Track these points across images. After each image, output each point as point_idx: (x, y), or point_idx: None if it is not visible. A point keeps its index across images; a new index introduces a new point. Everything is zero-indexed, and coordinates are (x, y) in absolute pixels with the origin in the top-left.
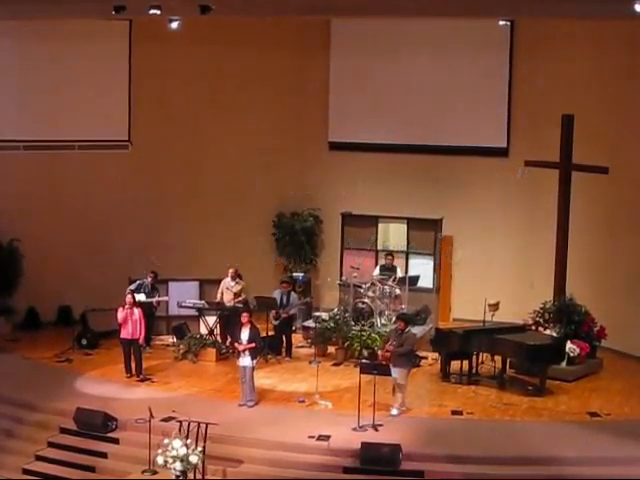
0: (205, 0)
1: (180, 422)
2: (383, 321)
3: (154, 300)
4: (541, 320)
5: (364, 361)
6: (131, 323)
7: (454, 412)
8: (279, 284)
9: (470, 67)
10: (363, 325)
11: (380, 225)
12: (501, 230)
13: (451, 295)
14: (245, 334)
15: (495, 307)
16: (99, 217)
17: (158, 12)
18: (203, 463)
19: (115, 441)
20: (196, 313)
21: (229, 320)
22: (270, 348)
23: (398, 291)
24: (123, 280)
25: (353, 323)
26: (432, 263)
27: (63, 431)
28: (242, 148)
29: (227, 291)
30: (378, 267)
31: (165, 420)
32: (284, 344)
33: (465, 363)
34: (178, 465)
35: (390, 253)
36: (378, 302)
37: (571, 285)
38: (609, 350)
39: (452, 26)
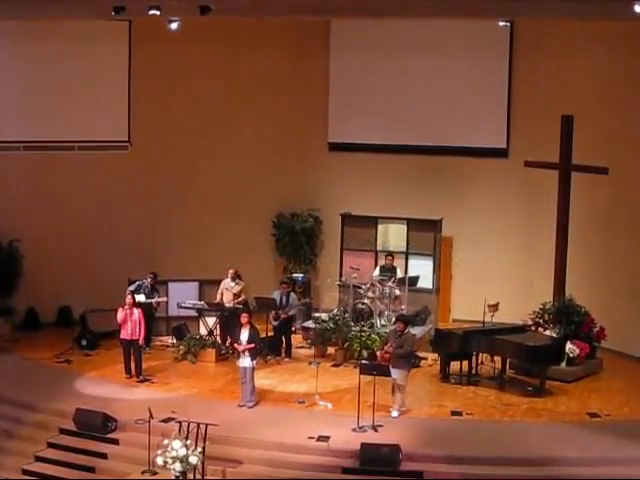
0: (205, 0)
1: (180, 423)
2: (383, 322)
3: (153, 301)
4: (541, 321)
5: (364, 362)
6: (130, 324)
7: (454, 413)
8: (279, 285)
9: (470, 68)
10: (363, 326)
11: (380, 226)
12: (501, 231)
13: (451, 296)
14: (245, 335)
15: (495, 308)
16: (99, 217)
17: (158, 13)
18: (203, 464)
19: (115, 442)
20: (196, 314)
21: (229, 321)
22: (270, 349)
23: (398, 292)
24: (123, 281)
25: (353, 324)
26: (432, 264)
27: (63, 432)
28: (242, 149)
29: (227, 292)
30: (378, 268)
31: (165, 421)
32: (284, 345)
33: (465, 364)
34: (178, 466)
35: (390, 254)
36: (378, 303)
37: (571, 286)
38: (609, 351)
39: (452, 27)
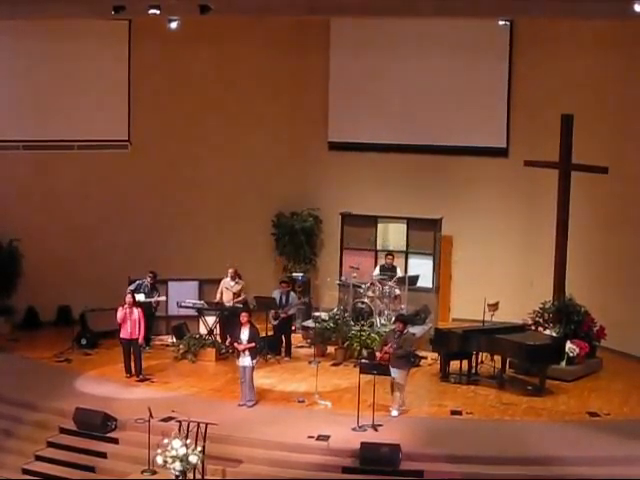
0: (204, 0)
1: (180, 422)
2: (383, 321)
3: (152, 300)
4: (541, 320)
5: (364, 361)
6: (130, 323)
7: (453, 412)
8: (278, 284)
9: (469, 67)
10: (363, 325)
11: (380, 225)
12: (501, 230)
13: (451, 295)
14: (245, 334)
15: (494, 307)
16: (99, 217)
17: (157, 12)
18: (203, 463)
19: (115, 441)
20: (196, 313)
21: (229, 320)
22: (269, 348)
23: (397, 291)
24: (122, 280)
25: (353, 323)
26: (432, 263)
27: (63, 431)
28: (241, 147)
29: (227, 291)
30: (378, 267)
31: (164, 420)
32: (283, 344)
33: (464, 363)
34: (177, 465)
35: (390, 253)
36: (378, 302)
37: (571, 285)
38: (608, 350)
39: (452, 26)
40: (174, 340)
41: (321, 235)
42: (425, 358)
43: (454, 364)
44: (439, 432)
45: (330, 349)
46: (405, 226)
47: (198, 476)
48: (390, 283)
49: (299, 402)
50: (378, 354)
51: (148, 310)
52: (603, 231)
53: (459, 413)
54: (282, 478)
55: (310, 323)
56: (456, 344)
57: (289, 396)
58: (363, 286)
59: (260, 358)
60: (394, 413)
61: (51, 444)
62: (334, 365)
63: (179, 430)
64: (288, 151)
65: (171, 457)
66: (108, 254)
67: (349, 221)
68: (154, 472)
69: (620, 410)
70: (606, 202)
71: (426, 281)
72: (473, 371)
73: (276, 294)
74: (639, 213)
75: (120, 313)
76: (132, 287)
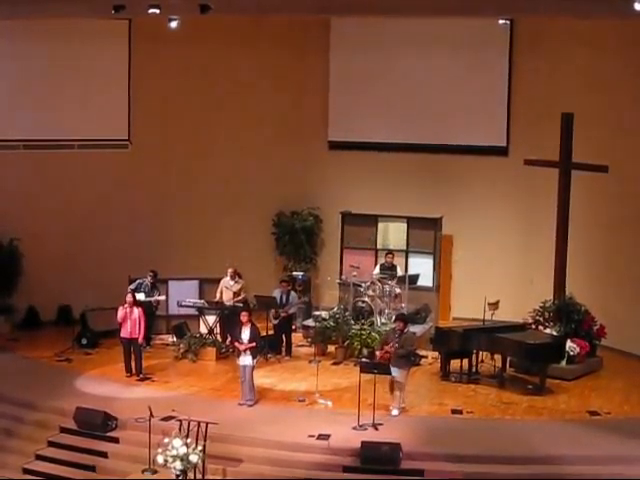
0: None
1: (180, 421)
2: (383, 320)
3: (152, 299)
4: (541, 319)
5: (364, 360)
6: (130, 322)
7: (454, 411)
8: (279, 283)
9: (470, 66)
10: (363, 324)
11: (380, 224)
12: (501, 229)
13: (451, 294)
14: (246, 333)
15: (495, 306)
16: (99, 216)
17: (157, 11)
18: (203, 462)
19: (115, 440)
20: (196, 312)
21: (229, 319)
22: (270, 347)
23: (398, 290)
24: (123, 279)
25: (353, 322)
26: (432, 262)
27: (63, 430)
28: (242, 147)
29: (226, 290)
30: (378, 266)
31: (165, 419)
32: (284, 343)
33: (465, 362)
34: (178, 464)
35: (390, 252)
36: (378, 301)
37: (571, 284)
38: (609, 349)
39: (451, 25)
40: (174, 339)
41: (321, 234)
42: (425, 357)
43: (454, 363)
44: (439, 431)
45: (330, 348)
46: (405, 225)
47: (199, 475)
48: (390, 282)
49: (299, 401)
50: (378, 353)
51: (148, 309)
52: (603, 230)
53: (459, 412)
54: (282, 477)
55: (310, 322)
56: (456, 343)
57: (289, 395)
58: (363, 285)
59: (260, 357)
60: (394, 412)
61: (52, 443)
62: (334, 364)
63: (179, 429)
64: (288, 150)
65: (172, 456)
66: (108, 254)
67: (349, 220)
68: (155, 471)
69: (620, 409)
70: (606, 201)
71: (426, 280)
72: (473, 370)
73: (276, 293)
74: (639, 211)
75: (120, 312)
76: (132, 286)
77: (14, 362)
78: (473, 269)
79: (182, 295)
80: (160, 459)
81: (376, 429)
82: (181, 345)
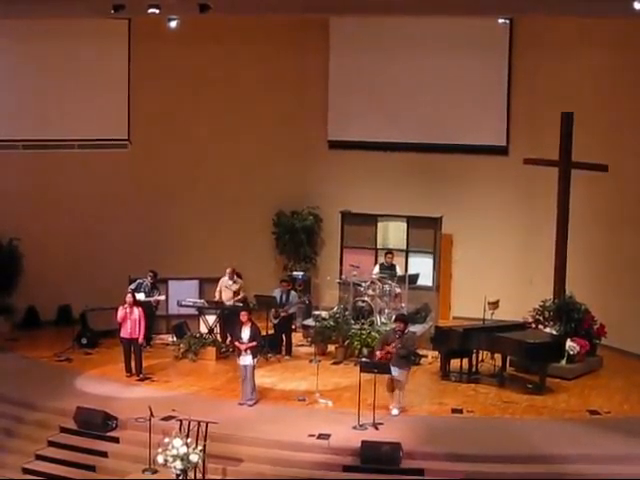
0: None
1: (180, 421)
2: (383, 319)
3: (152, 299)
4: (541, 318)
5: (364, 360)
6: (130, 322)
7: (454, 410)
8: (279, 283)
9: (469, 65)
10: (363, 324)
11: (380, 223)
12: (501, 228)
13: (451, 293)
14: (246, 333)
15: (495, 305)
16: (99, 216)
17: (157, 11)
18: (203, 462)
19: (115, 440)
20: (196, 312)
21: (229, 319)
22: (270, 347)
23: (398, 289)
24: (123, 279)
25: (353, 321)
26: (432, 261)
27: (63, 430)
28: (242, 147)
29: (226, 289)
30: (377, 266)
31: (165, 419)
32: (284, 343)
33: (465, 361)
34: (178, 464)
35: (389, 251)
36: (378, 300)
37: (571, 283)
38: (609, 348)
39: (451, 24)
40: (174, 339)
41: (321, 234)
42: (425, 356)
43: (454, 362)
44: (440, 430)
45: (330, 348)
46: (405, 224)
47: (199, 475)
48: (391, 282)
49: (300, 401)
50: (378, 353)
51: (148, 309)
52: (603, 229)
53: (460, 411)
54: (283, 477)
55: (310, 322)
56: (456, 342)
57: (290, 395)
58: (363, 284)
59: (261, 357)
60: (394, 412)
61: (52, 443)
62: (334, 364)
63: (180, 429)
64: (288, 150)
65: (172, 456)
66: (108, 253)
67: (349, 220)
68: (155, 471)
69: (620, 408)
70: (606, 200)
71: (426, 279)
72: (473, 369)
73: (276, 293)
74: (639, 211)
75: (120, 312)
76: (132, 286)
77: (14, 362)
78: (473, 268)
79: (182, 295)
80: (160, 459)
81: (376, 429)
82: (181, 345)
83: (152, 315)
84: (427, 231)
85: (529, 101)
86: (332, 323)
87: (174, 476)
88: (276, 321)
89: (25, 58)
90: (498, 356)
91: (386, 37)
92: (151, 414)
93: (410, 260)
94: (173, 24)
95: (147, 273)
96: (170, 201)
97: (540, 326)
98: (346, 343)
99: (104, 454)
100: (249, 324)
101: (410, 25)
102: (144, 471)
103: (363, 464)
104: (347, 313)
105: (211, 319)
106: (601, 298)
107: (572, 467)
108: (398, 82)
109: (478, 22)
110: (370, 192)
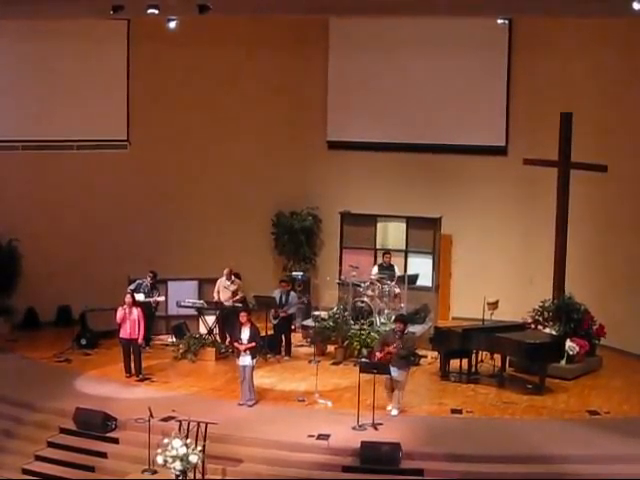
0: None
1: (180, 421)
2: (382, 320)
3: (152, 300)
4: (540, 318)
5: (364, 360)
6: (129, 323)
7: (453, 411)
8: (278, 283)
9: (468, 65)
10: (362, 324)
11: (379, 224)
12: (500, 228)
13: (450, 294)
14: (245, 333)
15: (494, 305)
16: (98, 217)
17: (156, 12)
18: (203, 462)
19: (115, 441)
20: (195, 312)
21: (228, 319)
22: (269, 347)
23: (397, 290)
24: (122, 280)
25: (352, 322)
26: (431, 262)
27: (63, 431)
28: (241, 147)
29: (224, 290)
30: (376, 266)
31: (165, 420)
32: (283, 343)
33: (464, 362)
34: (178, 464)
35: (388, 252)
36: (377, 301)
37: (570, 283)
38: (608, 348)
39: (450, 24)
40: (174, 340)
41: (321, 234)
42: (425, 357)
43: (454, 363)
44: (439, 431)
45: (330, 348)
46: (405, 225)
47: (198, 476)
48: (390, 282)
49: (299, 401)
50: (378, 354)
51: (148, 310)
52: (602, 229)
53: (459, 412)
54: (282, 477)
55: (310, 322)
56: (456, 343)
57: (289, 395)
58: (363, 285)
59: (260, 357)
60: (394, 412)
61: (51, 444)
62: (334, 364)
63: (179, 430)
64: (287, 150)
65: (171, 457)
66: (108, 254)
67: (348, 220)
68: (154, 472)
69: (620, 408)
70: (605, 200)
71: (426, 280)
72: (473, 370)
73: (276, 293)
74: (638, 211)
75: (119, 313)
76: (132, 287)
77: (14, 363)
78: (472, 269)
79: (181, 295)
80: (160, 459)
81: (376, 429)
82: (180, 345)
83: (151, 316)
84: (426, 231)
85: (528, 101)
86: (331, 323)
87: (174, 477)
88: (275, 321)
89: (25, 58)
90: (498, 356)
91: (386, 37)
92: (150, 415)
93: (409, 260)
94: (172, 25)
95: (147, 273)
96: (169, 202)
97: (539, 326)
98: (345, 343)
99: (103, 455)
100: (248, 325)
101: (410, 25)
102: (144, 472)
103: (362, 464)
104: (346, 313)
105: (210, 320)
106: (600, 298)
107: (572, 467)
108: (398, 83)
109: (477, 22)
110: (369, 192)
